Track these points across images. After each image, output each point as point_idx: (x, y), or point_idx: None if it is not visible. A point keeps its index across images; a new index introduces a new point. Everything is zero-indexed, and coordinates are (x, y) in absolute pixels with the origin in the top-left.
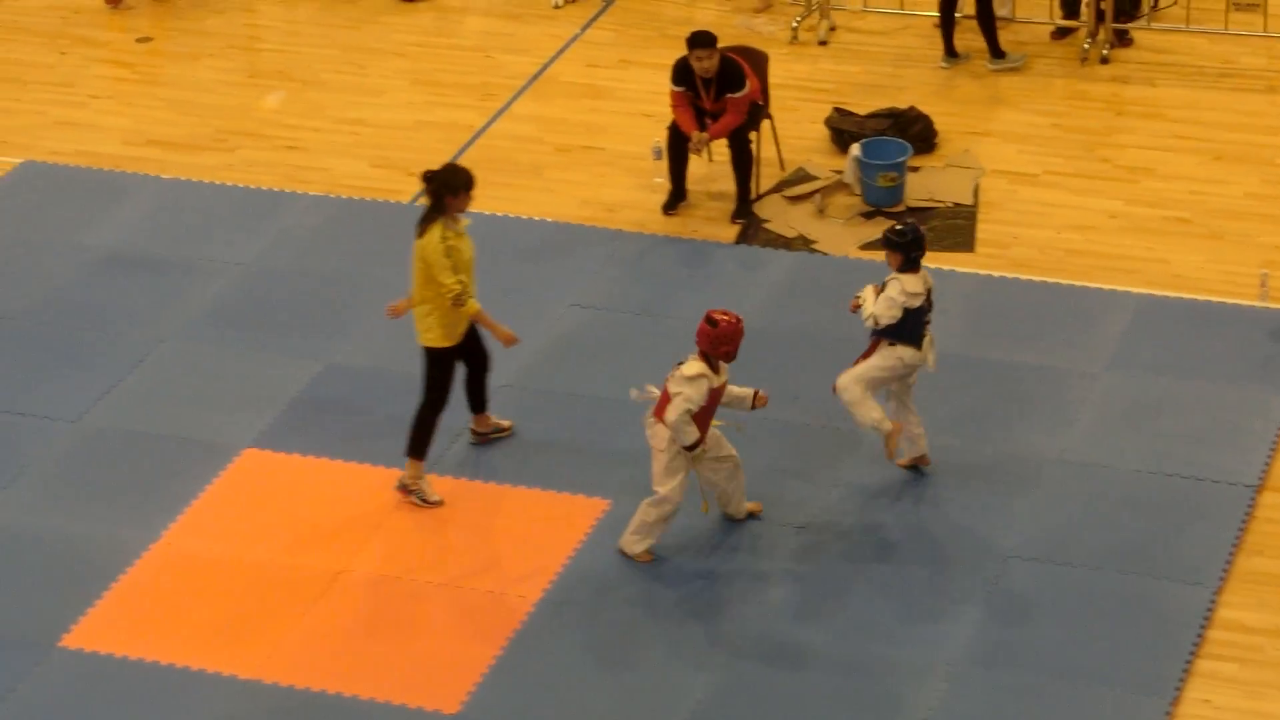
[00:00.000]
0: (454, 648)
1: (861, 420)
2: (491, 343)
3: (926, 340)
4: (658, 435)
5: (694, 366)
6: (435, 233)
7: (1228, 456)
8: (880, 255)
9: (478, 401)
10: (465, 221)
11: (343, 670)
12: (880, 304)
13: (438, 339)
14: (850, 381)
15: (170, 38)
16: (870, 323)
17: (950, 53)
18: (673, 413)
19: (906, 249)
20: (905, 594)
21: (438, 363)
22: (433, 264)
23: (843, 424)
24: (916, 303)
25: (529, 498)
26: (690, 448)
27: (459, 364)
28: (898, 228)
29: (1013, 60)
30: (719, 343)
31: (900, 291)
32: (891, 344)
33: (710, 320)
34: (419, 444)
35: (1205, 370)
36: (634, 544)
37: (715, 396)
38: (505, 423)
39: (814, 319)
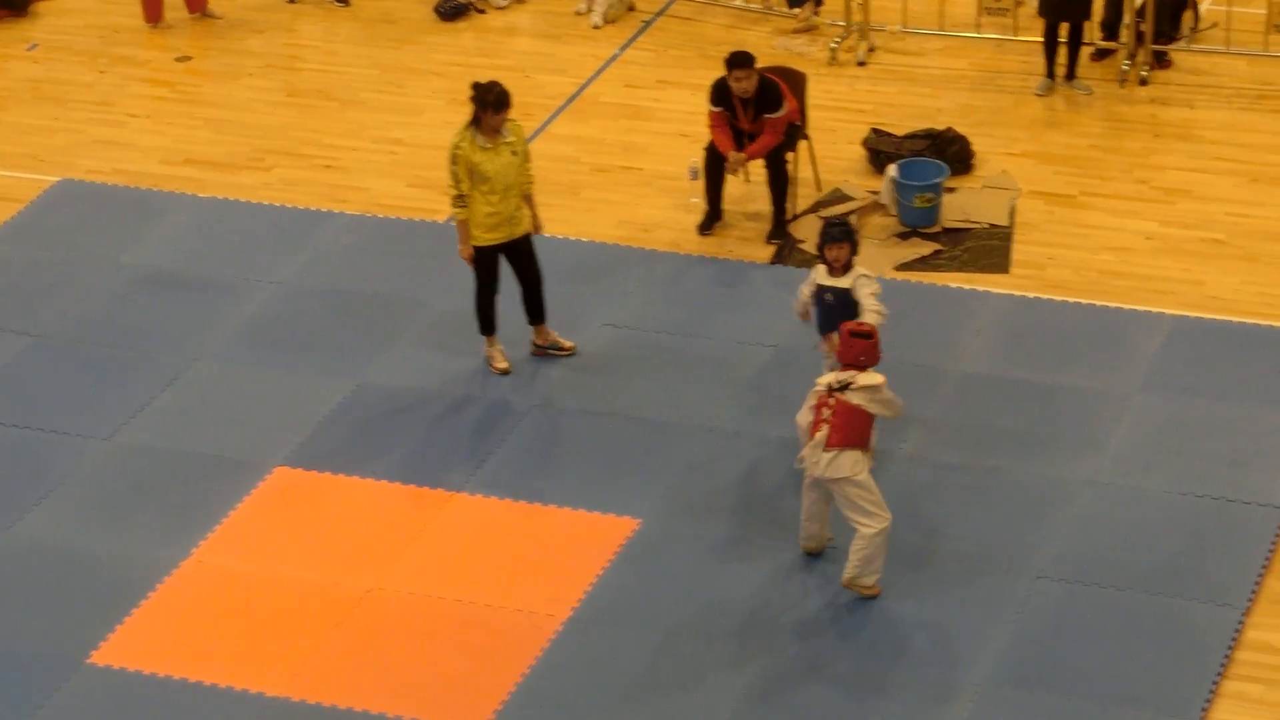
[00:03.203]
0: (482, 666)
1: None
2: (544, 259)
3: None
4: (840, 466)
5: (869, 377)
6: (456, 137)
7: (1260, 478)
8: (917, 276)
9: (532, 313)
10: (509, 139)
11: (371, 688)
12: (869, 313)
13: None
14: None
15: (210, 57)
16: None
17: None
18: (887, 407)
19: (854, 236)
20: (935, 614)
21: (474, 256)
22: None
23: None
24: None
25: (559, 516)
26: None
27: (499, 264)
28: (838, 222)
29: (1040, 89)
30: (877, 348)
31: (872, 283)
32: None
33: (861, 334)
34: (480, 323)
35: (1239, 392)
36: (866, 579)
37: None
38: (567, 343)
39: None
